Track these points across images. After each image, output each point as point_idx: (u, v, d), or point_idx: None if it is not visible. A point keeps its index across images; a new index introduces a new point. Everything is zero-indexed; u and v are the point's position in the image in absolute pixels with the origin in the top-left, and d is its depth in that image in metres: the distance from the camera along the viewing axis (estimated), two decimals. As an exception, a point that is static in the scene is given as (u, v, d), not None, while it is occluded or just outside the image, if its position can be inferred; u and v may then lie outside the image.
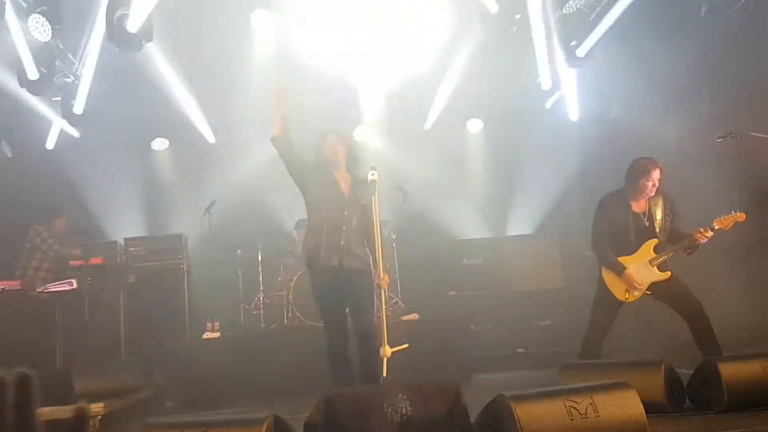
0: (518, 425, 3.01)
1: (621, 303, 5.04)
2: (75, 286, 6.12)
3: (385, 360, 4.23)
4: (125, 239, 7.69)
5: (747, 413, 4.15)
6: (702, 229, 4.76)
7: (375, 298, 4.62)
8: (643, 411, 3.30)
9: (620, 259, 4.99)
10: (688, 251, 4.90)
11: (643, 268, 4.94)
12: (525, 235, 9.04)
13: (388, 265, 4.70)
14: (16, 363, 4.89)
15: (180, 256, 7.46)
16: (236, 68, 8.04)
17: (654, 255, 4.94)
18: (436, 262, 8.73)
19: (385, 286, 4.43)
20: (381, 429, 3.12)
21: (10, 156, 8.66)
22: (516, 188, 9.45)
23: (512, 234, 9.21)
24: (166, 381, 6.14)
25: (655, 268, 4.93)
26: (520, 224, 9.41)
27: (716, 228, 4.77)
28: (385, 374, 4.21)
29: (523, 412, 3.05)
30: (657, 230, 4.96)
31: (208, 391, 6.04)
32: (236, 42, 7.79)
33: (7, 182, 8.18)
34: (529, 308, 7.66)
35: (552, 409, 3.13)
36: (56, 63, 7.15)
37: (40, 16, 6.47)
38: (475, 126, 9.70)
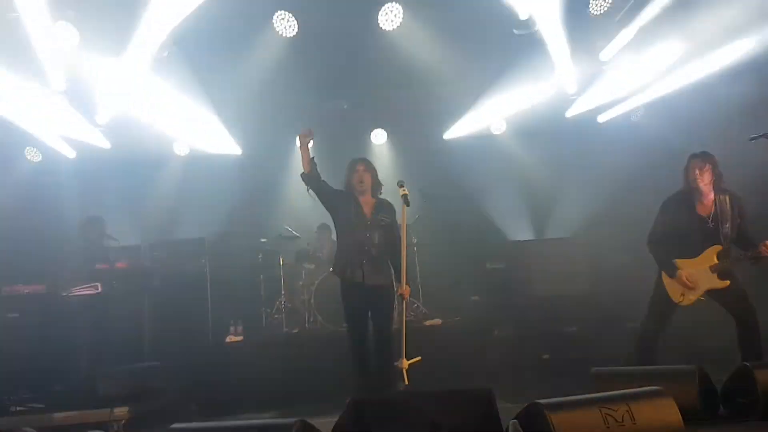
0: (554, 433, 2.94)
1: (676, 305, 4.97)
2: (100, 290, 6.12)
3: (404, 371, 4.59)
4: (149, 244, 7.72)
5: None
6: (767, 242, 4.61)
7: (394, 309, 5.15)
8: (681, 418, 3.22)
9: (681, 261, 4.90)
10: (753, 262, 4.74)
11: (702, 273, 4.82)
12: (549, 239, 8.93)
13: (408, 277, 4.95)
14: (41, 367, 4.96)
15: (202, 260, 7.47)
16: (257, 77, 8.07)
17: (716, 262, 4.79)
18: (459, 266, 8.65)
19: (407, 297, 4.87)
20: (410, 436, 3.07)
21: (39, 160, 8.76)
22: (542, 193, 9.35)
23: (536, 238, 9.10)
24: (190, 384, 6.13)
25: (716, 275, 4.79)
26: (545, 229, 9.30)
27: None
28: (406, 382, 4.54)
29: (558, 420, 2.98)
30: (722, 235, 4.81)
31: (231, 394, 6.02)
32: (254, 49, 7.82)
33: (36, 187, 8.28)
34: (553, 314, 7.54)
35: (587, 417, 3.06)
36: (80, 72, 7.22)
37: (66, 22, 6.55)
38: (498, 130, 9.61)
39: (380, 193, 5.18)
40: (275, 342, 7.12)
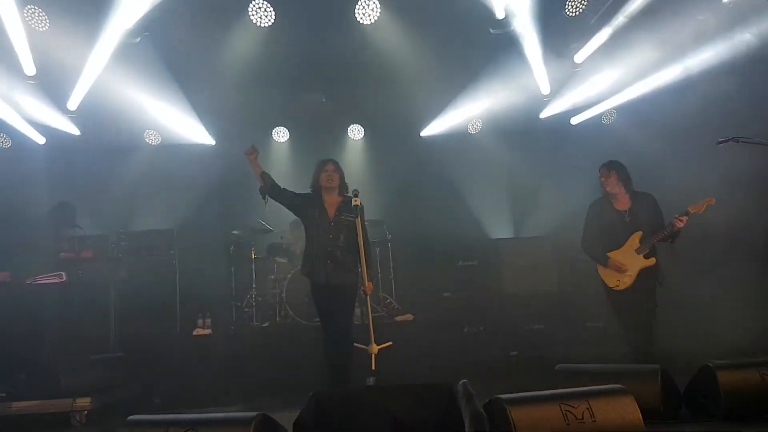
0: (513, 429, 2.94)
1: (617, 292, 5.39)
2: (64, 279, 6.00)
3: (373, 356, 4.69)
4: (117, 233, 7.60)
5: (744, 421, 4.10)
6: (678, 216, 5.16)
7: (357, 304, 5.45)
8: (641, 417, 3.24)
9: (610, 253, 5.41)
10: (671, 240, 5.30)
11: (630, 257, 5.35)
12: (521, 238, 9.00)
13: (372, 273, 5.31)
14: (3, 355, 4.86)
15: (171, 252, 7.39)
16: (232, 66, 8.00)
17: (639, 245, 5.35)
18: (432, 263, 8.67)
19: (369, 293, 5.03)
20: (372, 430, 3.05)
21: (8, 146, 8.60)
22: (518, 192, 9.41)
23: (510, 237, 9.15)
24: (155, 377, 6.05)
25: (642, 256, 5.32)
26: (521, 227, 9.36)
27: (691, 212, 5.16)
28: (374, 368, 4.66)
29: (518, 415, 2.99)
30: (640, 224, 5.37)
31: (197, 388, 5.96)
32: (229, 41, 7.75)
33: (4, 174, 8.12)
34: (523, 311, 7.60)
35: (548, 413, 3.07)
36: (50, 57, 7.09)
37: (36, 7, 6.43)
38: (475, 129, 9.64)
39: (346, 192, 5.28)
40: (244, 336, 7.07)
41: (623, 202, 5.48)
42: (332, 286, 5.06)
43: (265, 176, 5.19)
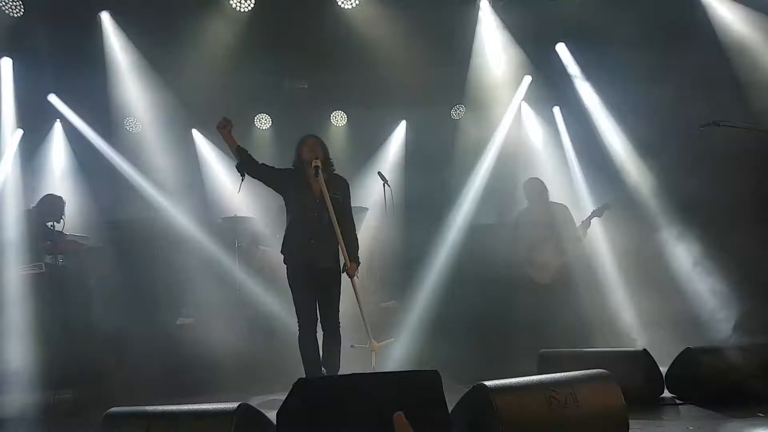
0: (497, 415, 2.94)
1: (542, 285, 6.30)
2: (43, 269, 5.93)
3: (373, 354, 4.62)
4: (98, 223, 7.51)
5: (725, 404, 4.16)
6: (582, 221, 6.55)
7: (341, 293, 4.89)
8: (624, 402, 3.27)
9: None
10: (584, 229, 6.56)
11: (550, 257, 6.36)
12: (504, 223, 8.99)
13: (358, 254, 4.90)
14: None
15: (154, 241, 7.28)
16: (212, 51, 7.90)
17: (553, 246, 6.38)
18: (416, 249, 8.64)
19: (353, 275, 4.76)
20: (357, 418, 3.03)
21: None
22: (504, 178, 9.36)
23: (494, 222, 9.14)
24: (138, 368, 5.99)
25: (557, 255, 6.36)
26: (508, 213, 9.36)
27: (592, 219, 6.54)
28: (373, 365, 4.60)
29: (502, 402, 2.99)
30: (555, 229, 6.40)
31: (181, 378, 5.90)
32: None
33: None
34: (507, 297, 7.60)
35: (532, 399, 3.08)
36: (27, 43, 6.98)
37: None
38: (458, 114, 9.61)
39: (333, 169, 4.97)
40: (228, 325, 7.00)
41: (542, 211, 6.56)
42: (316, 271, 4.69)
43: (241, 151, 4.81)
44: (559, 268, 6.32)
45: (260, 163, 4.89)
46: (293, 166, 4.96)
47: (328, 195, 4.65)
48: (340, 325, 4.80)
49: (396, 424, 0.83)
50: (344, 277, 4.82)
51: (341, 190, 4.90)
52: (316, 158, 4.70)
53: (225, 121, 4.76)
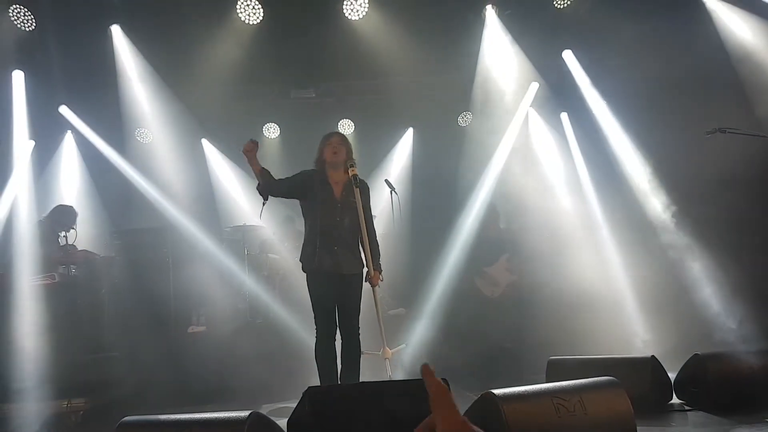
0: (505, 423, 2.97)
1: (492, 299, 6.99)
2: (56, 279, 6.00)
3: (387, 362, 4.40)
4: (110, 232, 7.59)
5: (733, 411, 4.16)
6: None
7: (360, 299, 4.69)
8: (632, 409, 3.28)
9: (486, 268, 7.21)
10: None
11: (500, 273, 7.11)
12: (506, 228, 9.00)
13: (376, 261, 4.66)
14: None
15: (165, 249, 7.35)
16: (221, 63, 7.99)
17: (507, 264, 7.13)
18: (422, 256, 8.67)
19: (376, 283, 4.54)
20: (367, 426, 3.07)
21: None
22: (510, 184, 9.39)
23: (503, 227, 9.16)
24: (150, 376, 6.04)
25: (508, 272, 7.08)
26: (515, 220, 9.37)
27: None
28: (389, 373, 4.38)
29: (510, 409, 3.02)
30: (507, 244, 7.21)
31: (192, 386, 5.95)
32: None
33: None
34: (515, 302, 7.63)
35: (540, 407, 3.11)
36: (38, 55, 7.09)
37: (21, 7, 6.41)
38: (465, 122, 9.65)
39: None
40: (238, 332, 7.05)
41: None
42: (339, 277, 4.47)
43: (263, 173, 4.62)
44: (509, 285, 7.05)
45: (277, 179, 4.71)
46: (315, 165, 4.73)
47: (360, 200, 4.44)
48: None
49: (424, 374, 0.84)
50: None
51: (364, 196, 4.63)
52: (352, 166, 4.52)
53: (252, 143, 4.62)
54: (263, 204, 4.72)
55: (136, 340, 6.31)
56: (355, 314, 4.57)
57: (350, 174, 4.51)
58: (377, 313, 4.52)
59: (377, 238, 4.76)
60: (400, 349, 4.74)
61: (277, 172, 7.28)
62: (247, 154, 4.62)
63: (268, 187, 4.65)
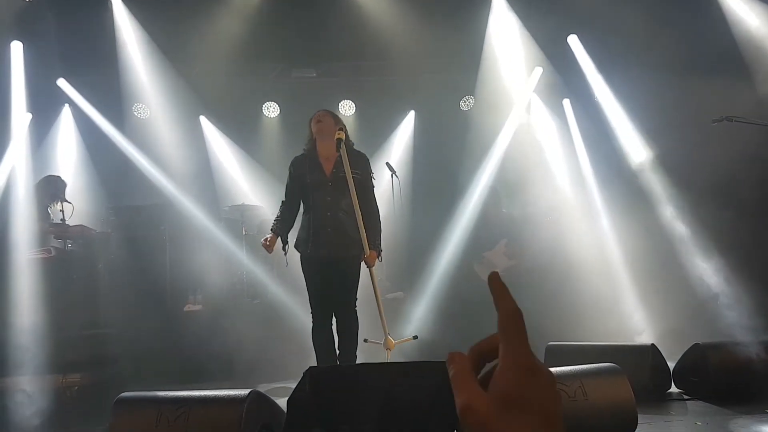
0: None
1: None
2: (53, 254, 5.94)
3: (388, 353, 4.28)
4: (106, 208, 7.52)
5: (731, 397, 4.16)
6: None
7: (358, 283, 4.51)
8: (633, 395, 3.26)
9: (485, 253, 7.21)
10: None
11: (497, 258, 7.10)
12: (505, 213, 8.97)
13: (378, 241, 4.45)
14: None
15: (161, 227, 7.30)
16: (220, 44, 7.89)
17: (505, 249, 7.13)
18: (422, 239, 8.64)
19: (372, 264, 4.35)
20: (366, 406, 3.04)
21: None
22: (513, 168, 9.33)
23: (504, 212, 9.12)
24: (146, 353, 6.01)
25: (506, 257, 7.08)
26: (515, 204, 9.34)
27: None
28: None
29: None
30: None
31: (188, 363, 5.93)
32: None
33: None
34: (514, 286, 7.61)
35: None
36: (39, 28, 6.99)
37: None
38: (467, 106, 9.57)
39: (350, 143, 4.43)
40: (235, 312, 7.02)
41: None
42: (332, 261, 4.28)
43: (281, 232, 4.41)
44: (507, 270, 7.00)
45: (283, 205, 4.53)
46: (304, 148, 4.52)
47: (350, 173, 4.12)
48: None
49: (492, 282, 0.70)
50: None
51: (360, 167, 4.35)
52: (340, 129, 4.23)
53: (270, 243, 4.36)
54: (285, 253, 4.45)
55: (132, 318, 6.27)
56: (349, 297, 4.37)
57: (336, 137, 4.18)
58: (376, 299, 4.34)
59: (378, 215, 4.53)
60: (406, 341, 4.54)
61: (275, 152, 7.23)
62: (269, 247, 4.36)
63: (286, 230, 4.46)
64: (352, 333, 4.39)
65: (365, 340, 4.60)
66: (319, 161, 4.36)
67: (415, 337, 4.79)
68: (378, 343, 4.43)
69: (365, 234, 4.23)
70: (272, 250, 4.37)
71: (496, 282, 0.73)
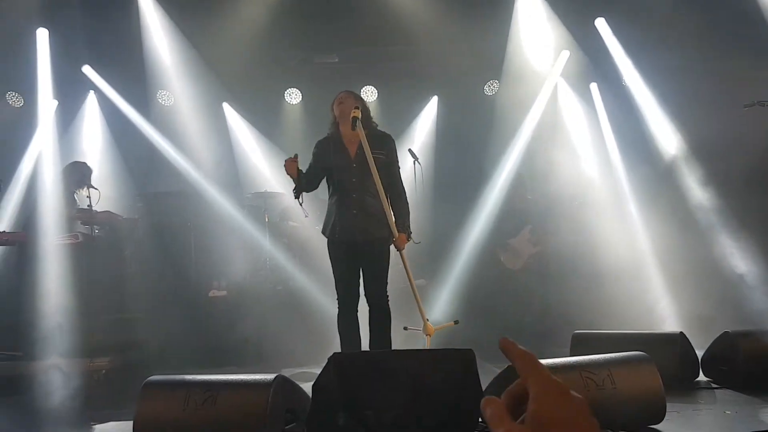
0: (533, 395, 2.91)
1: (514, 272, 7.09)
2: (80, 239, 6.02)
3: (428, 339, 4.18)
4: (132, 194, 7.61)
5: (761, 386, 4.09)
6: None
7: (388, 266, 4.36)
8: (661, 384, 3.22)
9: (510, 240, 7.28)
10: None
11: (523, 246, 7.15)
12: (531, 199, 8.88)
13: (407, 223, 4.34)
14: (22, 315, 4.90)
15: (186, 214, 7.36)
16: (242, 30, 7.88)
17: (529, 235, 7.14)
18: (447, 227, 8.59)
19: (402, 247, 4.26)
20: (391, 393, 3.04)
21: (20, 106, 8.55)
22: (537, 155, 9.23)
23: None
24: (171, 338, 6.08)
25: (531, 245, 7.12)
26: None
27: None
28: None
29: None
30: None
31: (213, 349, 5.99)
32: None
33: (17, 134, 8.09)
34: (537, 275, 7.55)
35: (568, 381, 3.04)
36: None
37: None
38: (491, 88, 9.45)
39: (374, 125, 4.38)
40: (259, 298, 7.06)
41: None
42: (360, 244, 4.18)
43: (300, 175, 4.23)
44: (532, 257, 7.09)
45: (306, 172, 4.35)
46: (329, 129, 4.46)
47: (370, 153, 4.03)
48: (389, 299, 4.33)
49: (504, 346, 0.74)
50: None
51: (386, 148, 4.28)
52: (356, 108, 4.09)
53: (292, 161, 4.19)
54: (301, 203, 4.33)
55: (158, 303, 6.35)
56: (380, 282, 4.25)
57: (351, 116, 4.05)
58: (410, 283, 4.25)
59: (406, 196, 4.41)
60: (446, 326, 4.41)
61: (298, 139, 7.17)
62: (291, 163, 4.18)
63: (303, 185, 4.27)
64: (384, 320, 4.26)
65: (405, 328, 4.46)
66: (343, 143, 4.29)
67: (456, 322, 4.69)
68: (417, 329, 4.33)
69: (392, 215, 4.18)
70: (293, 170, 4.16)
71: (506, 345, 0.78)
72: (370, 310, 4.31)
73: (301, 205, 4.33)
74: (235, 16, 7.82)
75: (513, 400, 0.75)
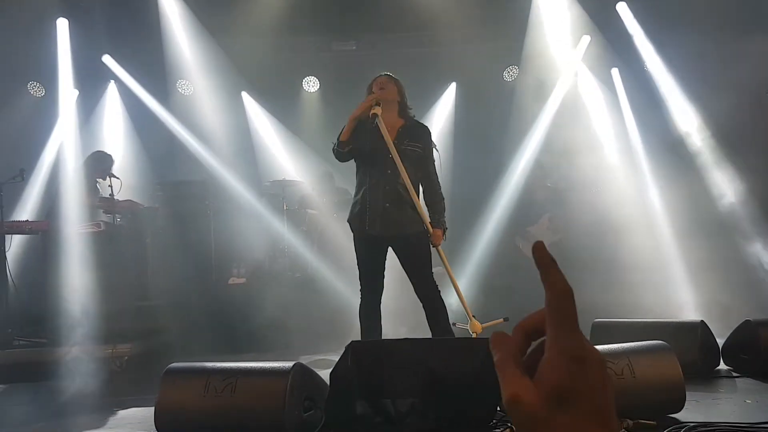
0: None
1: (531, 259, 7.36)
2: (102, 228, 6.10)
3: (474, 336, 4.07)
4: (153, 183, 7.68)
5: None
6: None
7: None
8: (681, 373, 3.18)
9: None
10: None
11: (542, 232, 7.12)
12: (549, 187, 8.80)
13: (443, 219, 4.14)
14: (45, 303, 4.98)
15: (206, 202, 7.42)
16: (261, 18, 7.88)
17: (548, 223, 7.22)
18: (466, 215, 8.56)
19: (438, 243, 4.07)
20: (409, 381, 3.05)
21: (42, 96, 8.64)
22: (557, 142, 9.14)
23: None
24: (191, 325, 6.15)
25: (550, 232, 7.12)
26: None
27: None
28: None
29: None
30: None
31: (232, 336, 6.05)
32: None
33: (39, 123, 8.19)
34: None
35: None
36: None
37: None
38: (510, 74, 9.35)
39: (412, 114, 4.15)
40: (277, 286, 7.11)
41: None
42: (392, 239, 3.98)
43: (353, 129, 3.92)
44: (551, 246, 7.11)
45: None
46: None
47: (392, 144, 3.83)
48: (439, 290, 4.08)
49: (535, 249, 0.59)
50: None
51: (423, 140, 4.05)
52: (378, 104, 3.85)
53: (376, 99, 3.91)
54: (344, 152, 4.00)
55: (178, 290, 6.42)
56: (427, 276, 4.02)
57: (371, 113, 3.82)
58: (451, 280, 4.11)
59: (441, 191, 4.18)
60: (495, 323, 4.26)
61: (316, 128, 7.14)
62: (367, 105, 3.88)
63: (347, 145, 3.97)
64: (442, 315, 4.04)
65: (454, 324, 4.28)
66: (381, 132, 3.94)
67: (506, 319, 4.50)
68: (464, 327, 4.23)
69: (426, 210, 4.03)
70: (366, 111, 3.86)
71: (542, 254, 0.64)
72: (425, 309, 4.08)
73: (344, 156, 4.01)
74: (253, 5, 7.83)
75: (527, 335, 0.66)
